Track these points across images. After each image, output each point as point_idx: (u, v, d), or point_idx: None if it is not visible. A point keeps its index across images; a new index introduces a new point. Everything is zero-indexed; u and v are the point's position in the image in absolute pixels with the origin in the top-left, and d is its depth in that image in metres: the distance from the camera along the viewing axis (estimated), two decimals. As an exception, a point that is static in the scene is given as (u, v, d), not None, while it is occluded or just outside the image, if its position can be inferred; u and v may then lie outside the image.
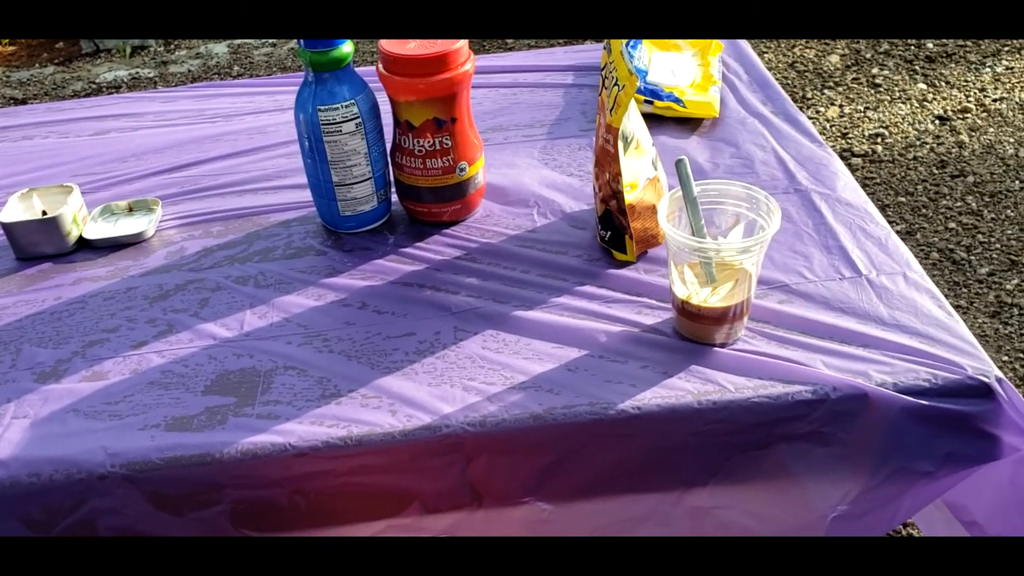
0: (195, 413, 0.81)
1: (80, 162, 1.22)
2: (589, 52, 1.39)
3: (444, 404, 0.79)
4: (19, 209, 1.05)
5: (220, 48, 3.74)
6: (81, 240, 1.05)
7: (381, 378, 0.83)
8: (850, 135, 2.39)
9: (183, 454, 0.77)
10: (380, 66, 0.95)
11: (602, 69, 0.93)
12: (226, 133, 1.25)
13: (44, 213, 1.05)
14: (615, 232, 0.93)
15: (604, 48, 0.93)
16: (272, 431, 0.78)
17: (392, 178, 1.03)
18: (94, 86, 3.56)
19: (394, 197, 1.05)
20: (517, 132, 1.20)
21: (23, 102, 3.52)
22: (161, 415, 0.81)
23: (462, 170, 0.99)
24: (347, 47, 0.94)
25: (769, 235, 0.77)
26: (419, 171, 0.98)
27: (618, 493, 0.82)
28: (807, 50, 2.81)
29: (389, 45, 0.93)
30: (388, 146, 1.02)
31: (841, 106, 2.51)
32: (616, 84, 0.85)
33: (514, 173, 1.10)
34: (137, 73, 3.60)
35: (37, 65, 3.94)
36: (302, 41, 0.92)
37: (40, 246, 1.03)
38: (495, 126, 1.21)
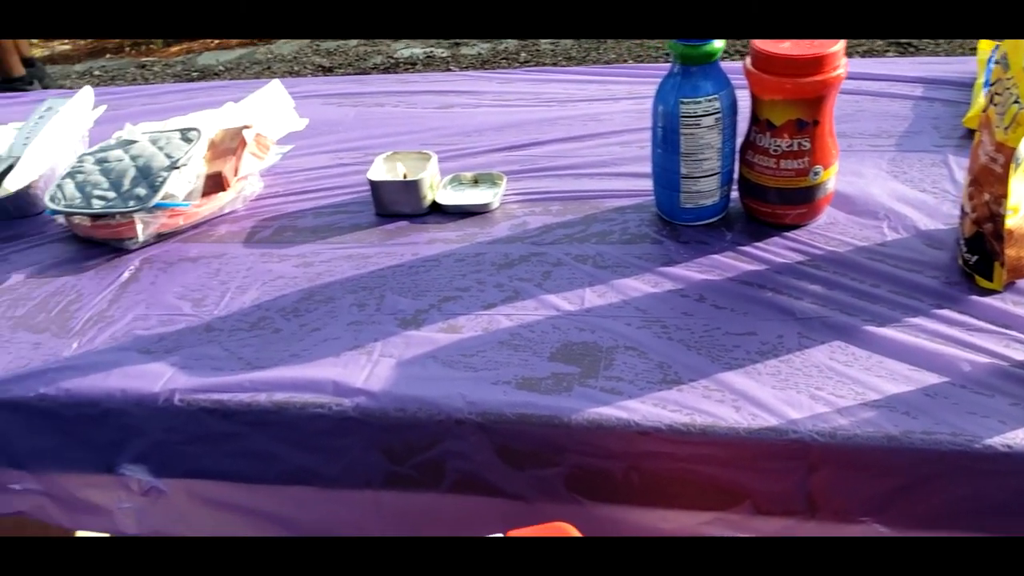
0: (542, 376, 0.86)
1: (428, 132, 1.33)
2: (939, 65, 1.32)
3: (791, 409, 0.79)
4: (383, 169, 1.16)
5: (509, 34, 3.91)
6: (434, 204, 1.14)
7: (722, 373, 0.84)
8: None
9: (533, 412, 0.82)
10: (748, 62, 0.96)
11: (992, 84, 0.88)
12: (561, 117, 1.31)
13: (404, 176, 1.15)
14: (983, 256, 0.87)
15: (997, 62, 0.88)
16: (616, 405, 0.81)
17: (737, 175, 1.03)
18: (392, 60, 3.84)
19: (733, 194, 1.05)
20: (862, 140, 1.16)
21: (330, 71, 3.86)
22: (511, 373, 0.87)
23: (816, 174, 0.97)
24: (718, 42, 0.95)
25: None
26: (770, 171, 0.98)
27: (964, 530, 0.77)
28: None
29: (762, 43, 0.94)
30: (738, 142, 1.02)
31: None
32: (1016, 101, 0.80)
33: (861, 183, 1.07)
34: (431, 52, 3.84)
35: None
36: (675, 33, 0.94)
37: (399, 205, 1.13)
38: (837, 132, 1.18)
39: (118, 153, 1.20)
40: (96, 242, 1.16)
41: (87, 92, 1.37)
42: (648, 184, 1.09)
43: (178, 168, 1.13)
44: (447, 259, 1.05)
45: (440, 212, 1.14)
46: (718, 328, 0.89)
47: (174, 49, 4.53)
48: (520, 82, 1.44)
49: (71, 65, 4.50)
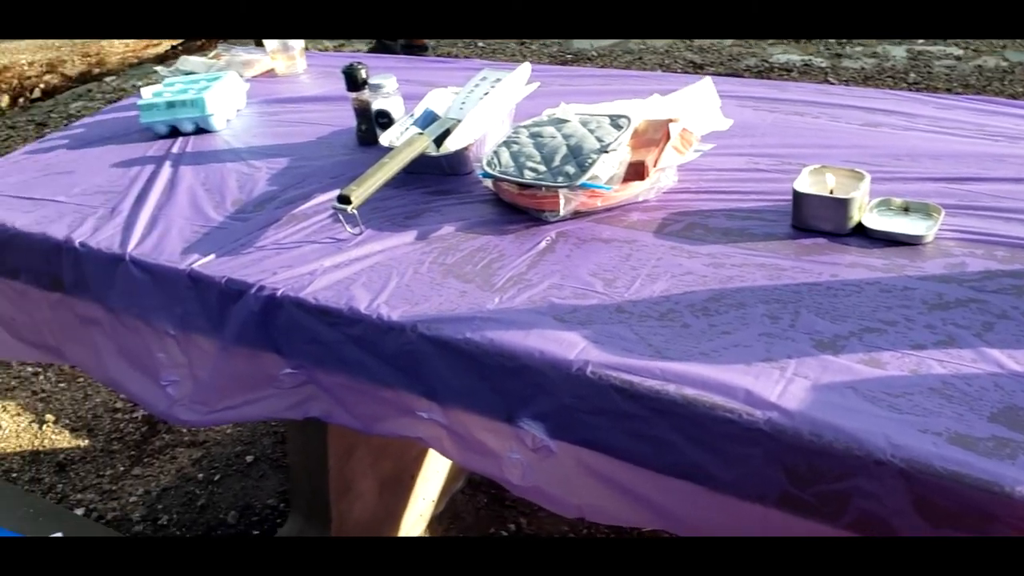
0: (980, 437, 0.79)
1: (851, 149, 1.27)
2: None
3: None
4: (809, 182, 1.13)
5: (898, 51, 3.65)
6: (858, 226, 1.09)
7: None
8: None
9: (968, 473, 0.76)
10: None
11: None
12: (1011, 155, 1.19)
13: (831, 191, 1.11)
14: None
15: None
16: (1072, 489, 0.73)
17: None
18: (767, 65, 3.75)
19: None
20: None
21: (701, 67, 3.85)
22: (943, 425, 0.81)
23: None
24: None
25: None
26: None
27: None
28: None
29: None
30: None
31: None
32: None
33: None
34: (809, 60, 3.70)
35: (713, 37, 4.28)
36: None
37: (820, 221, 1.10)
38: None
39: (551, 130, 1.27)
40: (517, 208, 1.25)
41: (525, 68, 1.47)
42: (1122, 246, 0.96)
43: (607, 152, 1.19)
44: (870, 287, 1.00)
45: (863, 235, 1.09)
46: None
47: (551, 30, 4.76)
48: (960, 109, 1.33)
49: (457, 38, 4.89)
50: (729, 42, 4.06)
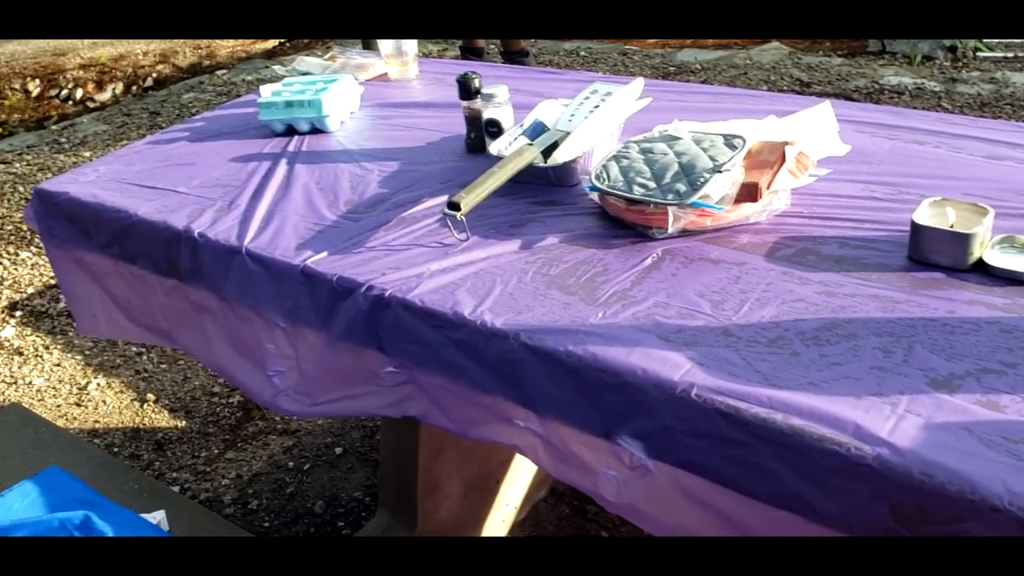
0: (1108, 493, 0.76)
1: (974, 182, 1.23)
2: None
3: None
4: (928, 214, 1.10)
5: (1018, 78, 3.51)
6: (978, 262, 1.06)
7: None
8: None
9: (1093, 530, 0.73)
10: None
11: None
12: None
13: (952, 225, 1.08)
14: None
15: None
16: None
17: None
18: (877, 87, 3.65)
19: None
20: None
21: (807, 85, 3.78)
22: (1071, 478, 0.78)
23: None
24: None
25: None
26: None
27: None
28: None
29: None
30: None
31: None
32: None
33: None
34: (922, 84, 3.58)
35: (821, 52, 4.19)
36: None
37: (939, 255, 1.07)
38: None
39: (662, 147, 1.27)
40: (623, 223, 1.25)
41: (638, 83, 1.47)
42: None
43: (720, 172, 1.18)
44: (990, 327, 0.97)
45: (983, 272, 1.05)
46: None
47: (650, 42, 4.75)
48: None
49: (560, 43, 4.91)
50: (838, 61, 3.97)
